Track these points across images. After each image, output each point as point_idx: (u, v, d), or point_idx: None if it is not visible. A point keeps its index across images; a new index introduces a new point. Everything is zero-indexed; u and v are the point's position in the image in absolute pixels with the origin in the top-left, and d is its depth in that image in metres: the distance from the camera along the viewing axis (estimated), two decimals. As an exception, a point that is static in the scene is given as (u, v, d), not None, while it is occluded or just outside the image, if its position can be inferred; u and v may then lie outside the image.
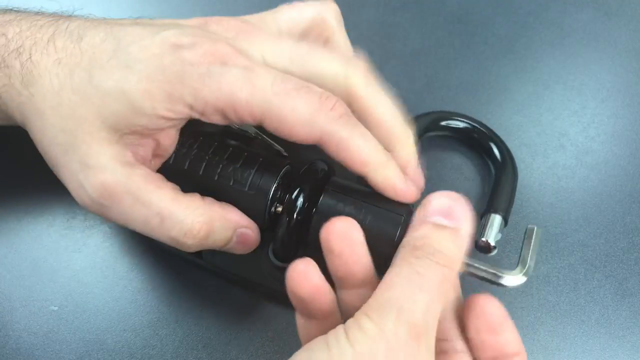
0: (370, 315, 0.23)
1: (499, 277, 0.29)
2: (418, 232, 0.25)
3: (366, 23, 0.47)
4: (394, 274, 0.24)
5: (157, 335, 0.34)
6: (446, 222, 0.25)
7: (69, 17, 0.30)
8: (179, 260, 0.35)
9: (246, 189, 0.30)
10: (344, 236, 0.25)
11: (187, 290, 0.35)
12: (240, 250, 0.30)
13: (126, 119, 0.27)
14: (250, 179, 0.30)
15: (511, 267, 0.29)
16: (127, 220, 0.28)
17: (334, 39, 0.35)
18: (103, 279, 0.35)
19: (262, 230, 0.31)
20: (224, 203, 0.30)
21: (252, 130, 0.35)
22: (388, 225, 0.28)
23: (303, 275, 0.25)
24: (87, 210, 0.28)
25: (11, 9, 0.31)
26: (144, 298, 0.35)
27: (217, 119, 0.27)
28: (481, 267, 0.29)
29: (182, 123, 0.29)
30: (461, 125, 0.40)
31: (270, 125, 0.27)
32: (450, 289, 0.26)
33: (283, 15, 0.33)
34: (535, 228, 0.30)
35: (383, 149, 0.28)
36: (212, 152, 0.31)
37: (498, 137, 0.39)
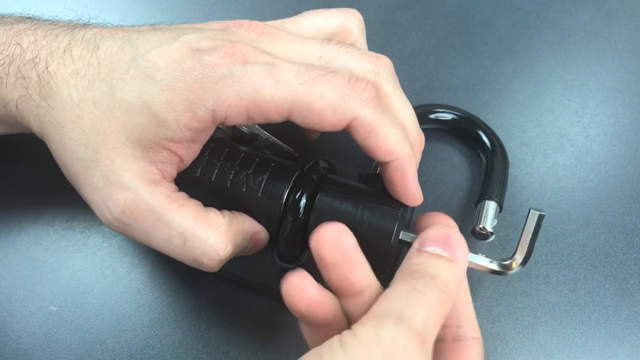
0: (366, 323, 0.22)
1: (495, 266, 0.29)
2: (414, 260, 0.25)
3: (366, 23, 0.46)
4: (392, 291, 0.24)
5: (156, 336, 0.34)
6: (442, 252, 0.25)
7: (85, 25, 0.29)
8: (179, 262, 0.35)
9: (259, 194, 0.30)
10: (336, 244, 0.24)
11: (187, 290, 0.35)
12: (250, 254, 0.31)
13: (151, 132, 0.26)
14: (263, 184, 0.30)
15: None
16: (150, 239, 0.27)
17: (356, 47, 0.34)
18: (103, 279, 0.35)
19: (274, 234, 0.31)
20: (237, 213, 0.29)
21: (263, 134, 0.35)
22: (386, 220, 0.28)
23: (299, 290, 0.24)
24: (110, 228, 0.28)
25: (27, 17, 0.30)
26: (143, 298, 0.35)
27: (241, 121, 0.26)
28: (479, 262, 0.29)
29: (206, 137, 0.28)
30: (449, 116, 0.40)
31: (299, 116, 0.26)
32: (446, 314, 0.25)
33: (307, 22, 0.32)
34: (531, 211, 0.29)
35: (409, 141, 0.28)
36: (223, 158, 0.30)
37: (486, 125, 0.40)
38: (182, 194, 0.28)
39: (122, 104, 0.26)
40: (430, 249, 0.25)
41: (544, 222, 0.38)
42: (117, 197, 0.26)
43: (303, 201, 0.29)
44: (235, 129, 0.35)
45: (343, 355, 0.21)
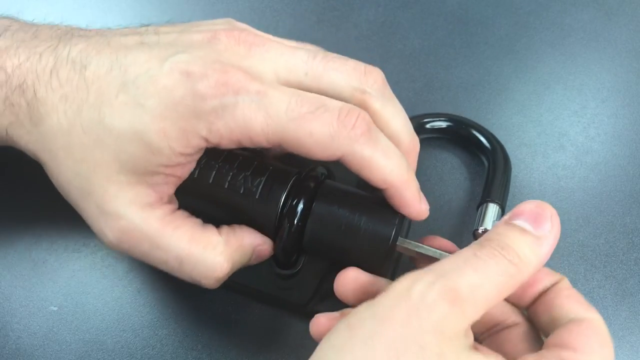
0: (403, 279, 0.22)
1: None
2: (496, 230, 0.25)
3: (366, 23, 0.47)
4: (451, 256, 0.24)
5: (156, 336, 0.34)
6: (530, 228, 0.24)
7: (69, 38, 0.28)
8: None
9: (257, 197, 0.30)
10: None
11: (187, 290, 0.35)
12: (254, 264, 0.30)
13: (144, 160, 0.26)
14: (260, 187, 0.30)
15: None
16: (149, 261, 0.28)
17: None
18: (103, 279, 0.35)
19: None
20: (237, 227, 0.29)
21: None
22: (383, 227, 0.28)
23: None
24: (108, 246, 0.28)
25: (5, 18, 0.30)
26: (143, 298, 0.35)
27: (232, 146, 0.27)
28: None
29: (200, 155, 0.28)
30: (444, 124, 0.40)
31: (289, 148, 0.26)
32: (513, 288, 0.24)
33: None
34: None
35: (405, 164, 0.28)
36: (221, 160, 0.30)
37: (482, 127, 0.39)
38: (179, 214, 0.28)
39: (112, 132, 0.26)
40: (518, 222, 0.25)
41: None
42: (112, 226, 0.27)
43: (300, 206, 0.29)
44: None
45: (368, 309, 0.22)
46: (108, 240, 0.27)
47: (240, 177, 0.30)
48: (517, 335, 0.27)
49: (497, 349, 0.26)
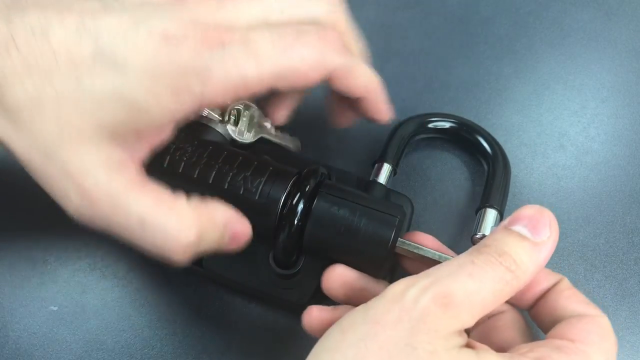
0: (398, 283, 0.22)
1: None
2: (494, 236, 0.25)
3: (366, 23, 0.46)
4: (449, 261, 0.24)
5: (156, 336, 0.34)
6: (528, 234, 0.24)
7: (22, 7, 0.26)
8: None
9: (257, 197, 0.30)
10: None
11: (187, 290, 0.35)
12: (233, 248, 0.29)
13: (128, 120, 0.25)
14: (260, 187, 0.30)
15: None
16: (111, 226, 0.26)
17: None
18: (103, 278, 0.35)
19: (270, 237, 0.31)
20: (210, 199, 0.28)
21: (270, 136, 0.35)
22: (383, 228, 0.28)
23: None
24: (75, 217, 0.26)
25: None
26: (143, 298, 0.35)
27: (227, 101, 0.27)
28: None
29: (186, 117, 0.27)
30: (447, 125, 0.40)
31: (285, 83, 0.27)
32: (509, 294, 0.24)
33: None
34: None
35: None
36: (222, 160, 0.30)
37: (486, 131, 0.39)
38: (147, 179, 0.27)
39: (93, 97, 0.25)
40: (516, 227, 0.24)
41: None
42: (76, 186, 0.25)
43: (300, 207, 0.29)
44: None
45: (361, 312, 0.22)
46: (72, 204, 0.26)
47: (240, 177, 0.30)
48: (505, 322, 0.27)
49: (485, 337, 0.26)
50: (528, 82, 0.44)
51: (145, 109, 0.25)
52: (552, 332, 0.24)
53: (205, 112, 0.34)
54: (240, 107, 0.35)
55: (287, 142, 0.37)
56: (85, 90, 0.25)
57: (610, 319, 0.35)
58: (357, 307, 0.23)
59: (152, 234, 0.26)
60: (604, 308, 0.35)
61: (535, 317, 0.27)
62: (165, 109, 0.26)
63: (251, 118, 0.35)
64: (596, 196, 0.39)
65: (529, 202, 0.38)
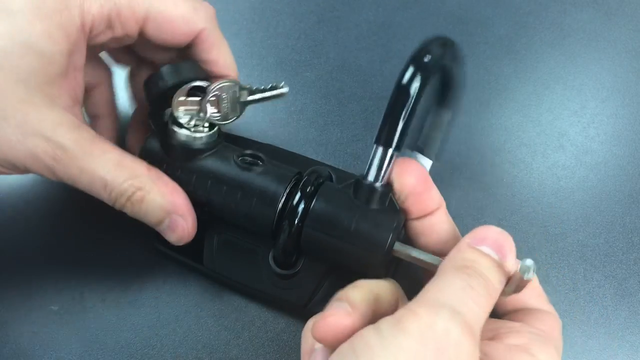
0: (417, 311, 0.22)
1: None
2: (467, 255, 0.25)
3: (366, 23, 0.47)
4: (444, 282, 0.24)
5: (156, 336, 0.34)
6: (494, 255, 0.25)
7: None
8: (179, 260, 0.35)
9: (255, 198, 0.30)
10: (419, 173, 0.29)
11: (186, 290, 0.35)
12: (171, 237, 0.30)
13: (42, 71, 0.26)
14: (259, 188, 0.30)
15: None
16: (74, 182, 0.28)
17: None
18: (103, 278, 0.35)
19: (269, 238, 0.31)
20: (172, 183, 0.29)
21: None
22: (380, 231, 0.28)
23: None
24: (29, 171, 0.27)
25: None
26: (143, 298, 0.35)
27: (106, 36, 0.28)
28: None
29: (82, 59, 0.29)
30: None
31: (154, 25, 0.29)
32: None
33: None
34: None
35: None
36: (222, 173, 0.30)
37: None
38: (104, 139, 0.28)
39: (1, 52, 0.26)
40: (484, 248, 0.26)
41: (545, 222, 0.38)
42: (41, 147, 0.26)
43: (300, 207, 0.29)
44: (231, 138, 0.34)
45: (380, 346, 0.21)
46: (38, 163, 0.27)
47: (240, 177, 0.30)
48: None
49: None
50: (528, 82, 0.44)
51: (51, 56, 0.26)
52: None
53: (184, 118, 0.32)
54: (217, 92, 0.33)
55: (277, 91, 0.34)
56: None
57: (610, 318, 0.35)
58: (368, 336, 0.22)
59: (110, 191, 0.28)
60: (604, 308, 0.35)
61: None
62: (63, 51, 0.27)
63: (233, 96, 0.33)
64: (596, 196, 0.39)
65: (529, 203, 0.38)
